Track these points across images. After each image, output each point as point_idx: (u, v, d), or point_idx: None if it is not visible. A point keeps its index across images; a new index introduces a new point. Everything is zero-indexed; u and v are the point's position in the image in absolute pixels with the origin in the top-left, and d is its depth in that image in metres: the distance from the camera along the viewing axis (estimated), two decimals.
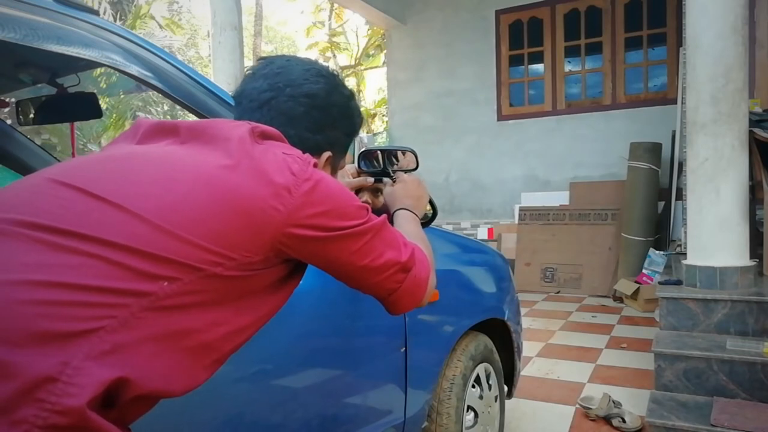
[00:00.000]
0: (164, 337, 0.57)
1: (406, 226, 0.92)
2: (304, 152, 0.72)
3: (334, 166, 0.85)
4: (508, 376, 1.87)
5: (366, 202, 1.06)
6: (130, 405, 0.55)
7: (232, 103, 0.85)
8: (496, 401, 1.72)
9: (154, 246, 0.57)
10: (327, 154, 0.82)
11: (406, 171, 1.14)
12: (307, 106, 0.78)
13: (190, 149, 0.68)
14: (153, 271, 0.57)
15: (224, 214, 0.61)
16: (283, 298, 0.72)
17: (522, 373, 2.44)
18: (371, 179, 1.07)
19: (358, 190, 1.06)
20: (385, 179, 1.07)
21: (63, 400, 0.48)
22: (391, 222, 0.91)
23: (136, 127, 0.76)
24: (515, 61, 5.67)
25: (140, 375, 0.54)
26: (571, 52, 5.41)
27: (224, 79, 3.51)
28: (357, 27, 12.72)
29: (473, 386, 1.57)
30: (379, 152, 1.10)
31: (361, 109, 0.91)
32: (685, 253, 2.56)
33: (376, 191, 1.08)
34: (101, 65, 1.04)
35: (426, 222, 1.30)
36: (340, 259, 0.71)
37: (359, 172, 1.08)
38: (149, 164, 0.65)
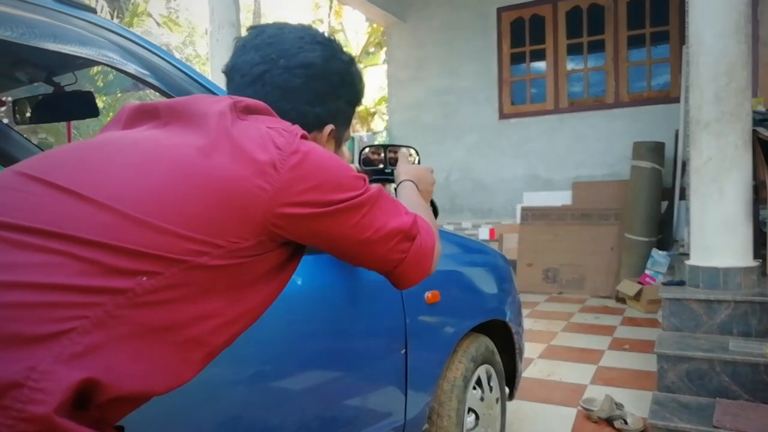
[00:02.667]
0: (147, 334, 0.53)
1: (408, 197, 0.89)
2: (304, 128, 0.68)
3: (338, 140, 0.80)
4: (510, 377, 1.86)
5: None
6: (111, 405, 0.52)
7: None
8: (497, 403, 1.71)
9: (128, 239, 0.53)
10: (329, 128, 0.76)
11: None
12: (304, 77, 0.73)
13: (169, 131, 0.64)
14: (128, 267, 0.53)
15: (205, 199, 0.57)
16: (279, 286, 0.68)
17: (523, 374, 2.43)
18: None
19: None
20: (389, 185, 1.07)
21: (29, 407, 0.46)
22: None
23: (120, 113, 0.72)
24: (517, 59, 5.65)
25: (117, 376, 0.51)
26: (574, 50, 5.39)
27: (222, 77, 3.49)
28: (356, 24, 12.71)
29: (474, 388, 1.56)
30: (381, 149, 1.09)
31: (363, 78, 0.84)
32: (689, 254, 2.55)
33: None
34: (98, 63, 1.04)
35: None
36: (339, 236, 0.66)
37: (360, 171, 1.06)
38: (123, 152, 0.61)
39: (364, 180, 0.68)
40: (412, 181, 0.96)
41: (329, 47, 0.76)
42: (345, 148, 0.85)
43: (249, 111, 0.65)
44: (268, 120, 0.66)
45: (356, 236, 0.67)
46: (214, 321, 0.59)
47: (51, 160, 0.61)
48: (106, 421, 0.54)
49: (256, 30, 0.77)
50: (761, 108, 3.01)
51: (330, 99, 0.76)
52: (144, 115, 0.68)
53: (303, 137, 0.64)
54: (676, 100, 4.49)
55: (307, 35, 0.76)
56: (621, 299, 4.33)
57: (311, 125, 0.72)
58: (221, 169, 0.58)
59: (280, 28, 0.77)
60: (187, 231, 0.55)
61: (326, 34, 0.79)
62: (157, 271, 0.54)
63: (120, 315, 0.52)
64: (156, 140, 0.62)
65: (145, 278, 0.53)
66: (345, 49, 0.80)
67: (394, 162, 1.09)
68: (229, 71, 0.77)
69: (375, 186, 0.70)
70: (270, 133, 0.62)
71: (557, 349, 3.16)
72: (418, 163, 1.17)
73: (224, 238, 0.57)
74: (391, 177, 1.09)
